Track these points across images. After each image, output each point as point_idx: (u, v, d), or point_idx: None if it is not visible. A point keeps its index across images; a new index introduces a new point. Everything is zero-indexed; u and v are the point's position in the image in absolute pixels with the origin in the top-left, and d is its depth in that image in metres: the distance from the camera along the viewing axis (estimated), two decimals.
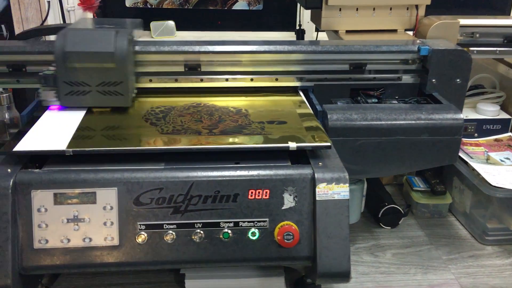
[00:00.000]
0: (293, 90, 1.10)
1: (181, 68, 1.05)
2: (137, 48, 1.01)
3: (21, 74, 1.02)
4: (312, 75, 1.08)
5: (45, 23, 1.52)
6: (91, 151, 0.80)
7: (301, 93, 1.09)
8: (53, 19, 1.59)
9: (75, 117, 0.94)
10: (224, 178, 0.79)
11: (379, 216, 1.13)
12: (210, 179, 0.79)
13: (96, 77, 0.92)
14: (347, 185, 0.79)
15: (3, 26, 1.40)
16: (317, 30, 1.55)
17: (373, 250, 1.07)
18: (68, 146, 0.81)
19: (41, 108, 0.98)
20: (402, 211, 1.13)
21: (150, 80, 1.06)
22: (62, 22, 1.51)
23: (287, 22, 2.00)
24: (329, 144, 0.83)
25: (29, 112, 0.97)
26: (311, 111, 0.99)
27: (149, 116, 0.94)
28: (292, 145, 0.82)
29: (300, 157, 0.86)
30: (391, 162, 0.97)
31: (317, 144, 0.83)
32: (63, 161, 0.82)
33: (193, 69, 1.05)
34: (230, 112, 0.97)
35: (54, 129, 0.87)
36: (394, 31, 1.23)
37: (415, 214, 1.21)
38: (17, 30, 1.48)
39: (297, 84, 1.09)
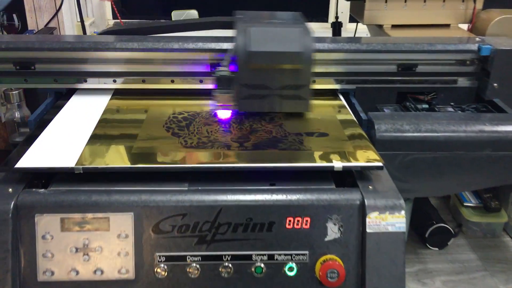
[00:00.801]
0: (332, 93, 0.97)
1: (206, 69, 0.93)
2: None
3: (29, 73, 0.92)
4: (354, 77, 0.96)
5: (59, 13, 1.41)
6: (104, 169, 0.69)
7: (341, 97, 0.97)
8: (68, 8, 1.48)
9: (89, 121, 0.83)
10: (258, 203, 0.67)
11: (426, 236, 1.01)
12: (241, 204, 0.67)
13: (278, 80, 0.82)
14: (403, 214, 0.67)
15: (14, 15, 1.30)
16: (355, 21, 1.41)
17: (420, 276, 0.95)
18: (78, 162, 0.70)
19: (53, 111, 0.88)
20: (453, 231, 1.01)
21: (172, 81, 0.94)
22: (78, 11, 1.40)
23: (318, 12, 1.86)
24: (381, 164, 0.70)
25: (37, 116, 0.86)
26: (354, 119, 0.87)
27: (171, 124, 0.83)
28: (337, 165, 0.70)
29: (345, 177, 0.73)
30: (447, 180, 0.84)
31: (367, 165, 0.71)
32: (72, 180, 0.71)
33: None
34: (263, 120, 0.85)
35: (63, 139, 0.77)
36: (447, 25, 1.08)
37: (465, 232, 1.08)
38: (30, 20, 1.38)
39: (337, 86, 0.97)
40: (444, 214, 1.15)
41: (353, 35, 1.59)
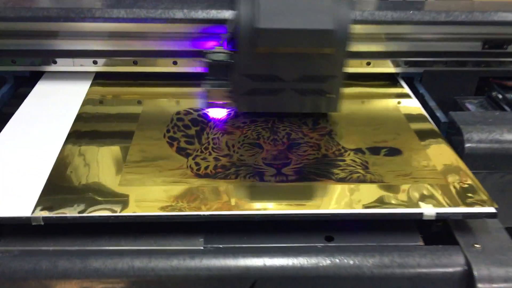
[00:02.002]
0: (390, 79, 0.73)
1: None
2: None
3: None
4: (421, 57, 0.70)
5: None
6: (75, 219, 0.46)
7: (403, 84, 0.72)
8: None
9: (62, 119, 0.60)
10: (309, 271, 0.44)
11: None
12: (286, 272, 0.44)
13: (296, 69, 0.57)
14: None
15: None
16: None
17: None
18: (39, 204, 0.46)
19: (11, 102, 0.64)
20: None
21: (175, 63, 0.69)
22: None
23: None
24: (494, 210, 0.47)
25: None
26: (431, 122, 0.62)
27: (175, 131, 0.59)
28: (428, 211, 0.47)
29: (433, 224, 0.50)
30: None
31: (473, 211, 0.47)
32: (29, 233, 0.47)
33: None
34: (304, 125, 0.61)
35: (20, 154, 0.53)
36: None
37: None
38: None
39: (398, 70, 0.72)
40: None
41: None
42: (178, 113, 0.62)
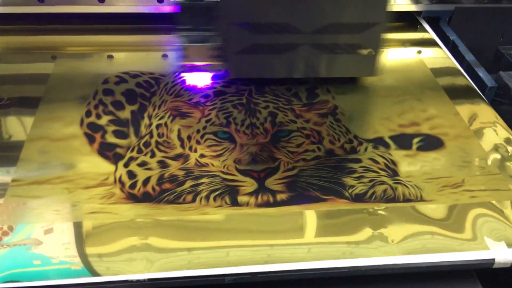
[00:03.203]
0: (410, 19, 0.53)
1: None
2: None
3: None
4: None
5: None
6: None
7: (427, 27, 0.52)
8: None
9: None
10: None
11: None
12: None
13: (318, 15, 0.38)
14: None
15: None
16: None
17: None
18: None
19: None
20: None
21: (101, 0, 0.47)
22: None
23: None
24: None
25: None
26: (475, 89, 0.44)
27: (99, 113, 0.38)
28: (501, 255, 0.29)
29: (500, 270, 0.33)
30: None
31: None
32: None
33: None
34: (294, 98, 0.41)
35: None
36: None
37: None
38: None
39: (420, 8, 0.52)
40: None
41: None
42: (106, 81, 0.42)
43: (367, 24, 0.39)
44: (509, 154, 0.36)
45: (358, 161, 0.35)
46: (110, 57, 0.46)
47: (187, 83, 0.42)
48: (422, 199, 0.32)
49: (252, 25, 0.38)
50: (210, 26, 0.45)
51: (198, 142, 0.36)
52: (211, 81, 0.42)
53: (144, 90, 0.41)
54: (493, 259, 0.29)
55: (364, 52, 0.40)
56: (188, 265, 0.28)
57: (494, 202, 0.32)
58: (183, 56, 0.46)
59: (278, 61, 0.40)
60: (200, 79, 0.42)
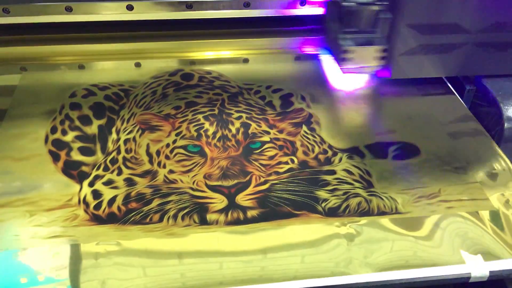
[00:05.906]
0: None
1: None
2: None
3: None
4: None
5: None
6: None
7: None
8: None
9: None
10: None
11: None
12: None
13: (487, 13, 0.39)
14: None
15: None
16: None
17: None
18: None
19: None
20: None
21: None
22: None
23: None
24: None
25: None
26: (451, 88, 0.43)
27: (65, 129, 0.37)
28: (477, 269, 0.28)
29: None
30: None
31: None
32: None
33: None
34: (268, 107, 0.40)
35: None
36: None
37: None
38: None
39: None
40: None
41: None
42: (73, 94, 0.40)
43: None
44: (488, 162, 0.36)
45: (333, 172, 0.34)
46: (82, 67, 0.44)
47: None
48: (397, 211, 0.32)
49: (422, 27, 0.38)
50: (374, 29, 0.44)
51: (167, 157, 0.35)
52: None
53: (113, 103, 0.39)
54: (469, 273, 0.28)
55: None
56: None
57: (470, 212, 0.32)
58: (346, 59, 0.44)
59: (439, 61, 0.41)
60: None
